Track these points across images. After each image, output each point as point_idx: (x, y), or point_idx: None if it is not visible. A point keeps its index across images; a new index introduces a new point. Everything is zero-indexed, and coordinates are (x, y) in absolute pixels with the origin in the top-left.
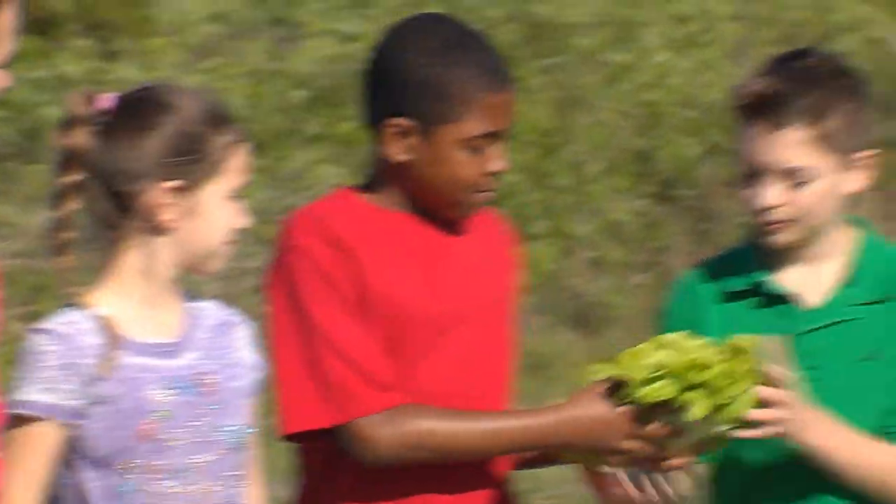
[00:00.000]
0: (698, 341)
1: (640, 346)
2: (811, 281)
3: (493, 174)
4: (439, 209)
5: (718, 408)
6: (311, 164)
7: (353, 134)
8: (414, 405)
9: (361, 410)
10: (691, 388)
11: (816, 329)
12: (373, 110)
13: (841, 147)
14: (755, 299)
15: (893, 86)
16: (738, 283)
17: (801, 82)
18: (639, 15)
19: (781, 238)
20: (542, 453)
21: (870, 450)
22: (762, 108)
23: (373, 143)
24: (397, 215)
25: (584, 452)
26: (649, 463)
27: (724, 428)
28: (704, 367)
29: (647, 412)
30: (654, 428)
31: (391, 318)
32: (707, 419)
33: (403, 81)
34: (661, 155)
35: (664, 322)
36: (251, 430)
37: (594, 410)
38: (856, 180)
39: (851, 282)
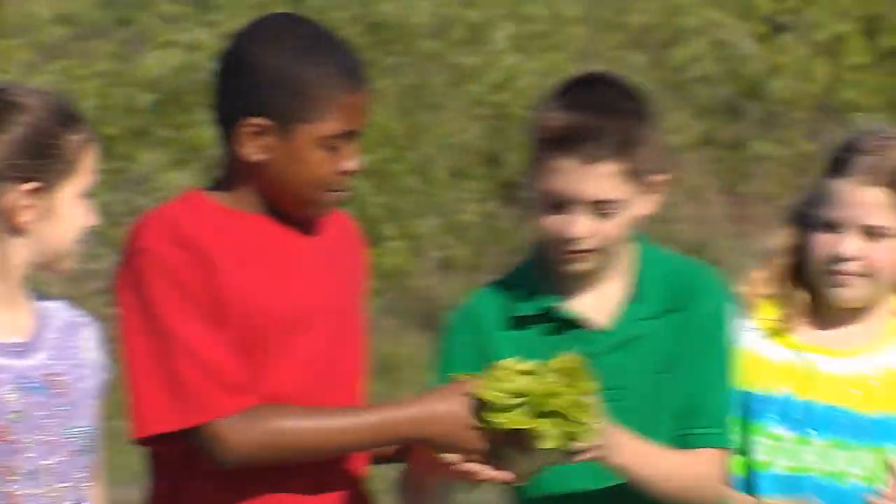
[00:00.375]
0: (533, 365)
1: (502, 367)
2: (598, 302)
3: (349, 173)
4: (293, 209)
5: (567, 435)
6: (159, 167)
7: (201, 137)
8: (269, 405)
9: (215, 413)
10: (544, 415)
11: (609, 350)
12: (227, 110)
13: (645, 175)
14: (544, 324)
15: (740, 88)
16: (525, 309)
17: (609, 115)
18: (486, 16)
19: (582, 266)
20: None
21: (671, 461)
22: (571, 143)
23: (225, 144)
24: (249, 216)
25: (439, 449)
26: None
27: (567, 453)
28: (557, 394)
29: (503, 434)
30: (507, 450)
31: (244, 319)
32: (556, 447)
33: (260, 81)
34: (508, 157)
35: (447, 347)
36: (96, 432)
37: (453, 407)
38: (651, 203)
39: (636, 299)
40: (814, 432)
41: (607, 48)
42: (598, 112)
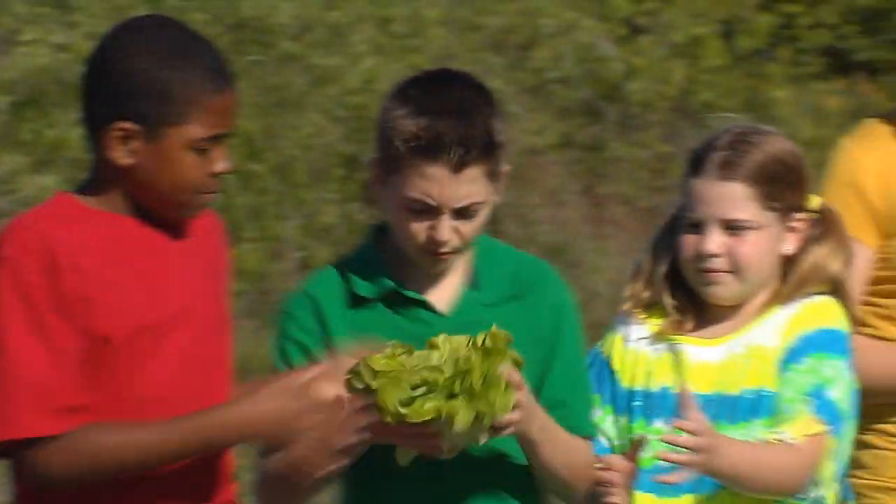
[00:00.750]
0: (458, 340)
1: (397, 356)
2: (438, 287)
3: (218, 175)
4: (163, 211)
5: (480, 415)
6: (19, 169)
7: (62, 140)
8: (89, 425)
9: (35, 433)
10: (454, 395)
11: (449, 334)
12: (94, 113)
13: (499, 170)
14: (387, 306)
15: (598, 90)
16: (367, 290)
17: (473, 119)
18: (347, 18)
19: (445, 267)
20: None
21: (568, 445)
22: (440, 150)
23: (93, 147)
24: (118, 219)
25: (273, 444)
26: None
27: (483, 431)
28: (466, 373)
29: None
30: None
31: (110, 321)
32: (471, 425)
33: (127, 84)
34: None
35: (287, 329)
36: None
37: (278, 403)
38: (500, 193)
39: (474, 286)
40: None
41: (466, 50)
42: (462, 116)
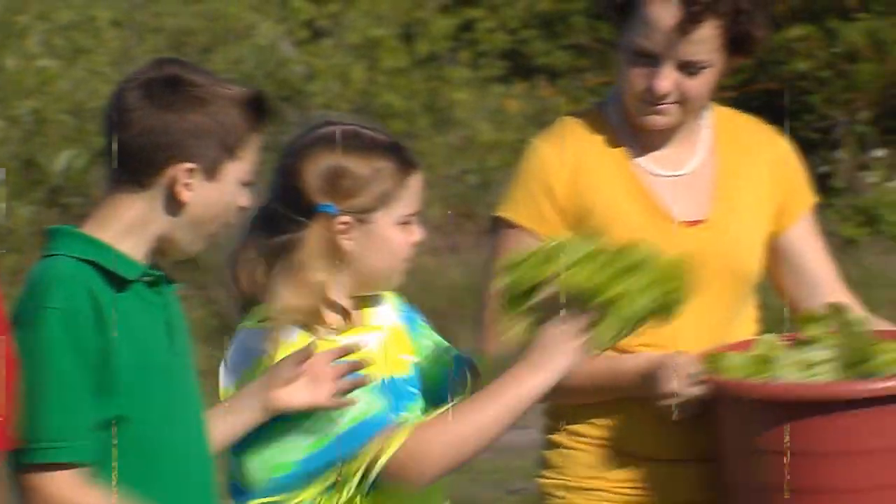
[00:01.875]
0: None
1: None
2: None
3: None
4: None
5: None
6: None
7: None
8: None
9: None
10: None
11: (176, 308)
12: None
13: None
14: (142, 286)
15: (280, 92)
16: (131, 272)
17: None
18: (21, 20)
19: None
20: None
21: None
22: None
23: None
24: None
25: None
26: None
27: None
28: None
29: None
30: None
31: None
32: None
33: None
34: (47, 162)
35: (68, 325)
36: None
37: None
38: None
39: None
40: None
41: (145, 52)
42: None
